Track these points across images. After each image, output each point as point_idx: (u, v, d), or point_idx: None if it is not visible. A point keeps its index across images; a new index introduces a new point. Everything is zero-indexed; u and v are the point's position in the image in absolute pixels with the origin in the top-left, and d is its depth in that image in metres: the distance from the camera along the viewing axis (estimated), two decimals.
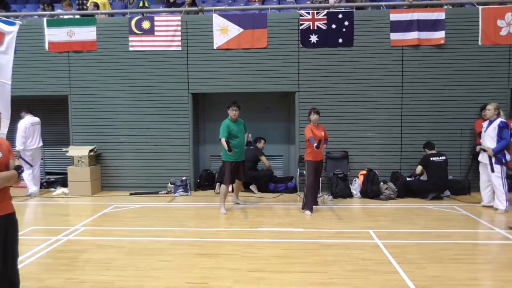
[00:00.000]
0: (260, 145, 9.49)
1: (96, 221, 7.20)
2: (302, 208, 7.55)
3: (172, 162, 9.53)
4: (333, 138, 8.75)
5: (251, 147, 9.33)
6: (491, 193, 7.69)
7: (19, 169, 3.59)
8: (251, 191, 9.31)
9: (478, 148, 7.86)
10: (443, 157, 8.34)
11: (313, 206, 7.57)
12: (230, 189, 8.07)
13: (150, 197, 9.00)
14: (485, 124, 7.77)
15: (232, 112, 7.62)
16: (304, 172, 7.76)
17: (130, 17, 9.51)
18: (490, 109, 7.58)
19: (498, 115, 7.55)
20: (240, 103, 7.77)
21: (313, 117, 7.46)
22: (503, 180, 7.42)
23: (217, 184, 9.36)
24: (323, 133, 7.55)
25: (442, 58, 9.01)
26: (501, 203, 7.42)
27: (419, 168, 8.49)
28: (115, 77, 9.51)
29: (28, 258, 5.33)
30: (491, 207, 7.63)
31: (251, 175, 9.10)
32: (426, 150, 8.55)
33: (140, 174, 9.59)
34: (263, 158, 9.36)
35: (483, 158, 7.70)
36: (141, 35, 9.37)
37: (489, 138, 7.54)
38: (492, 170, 7.47)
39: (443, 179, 8.38)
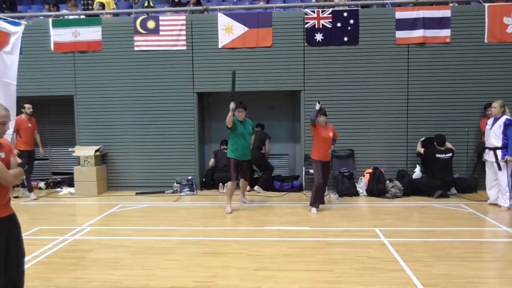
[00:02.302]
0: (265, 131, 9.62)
1: (102, 220, 7.22)
2: (310, 205, 7.51)
3: (177, 162, 9.55)
4: (339, 137, 8.73)
5: (257, 129, 9.35)
6: (497, 191, 7.64)
7: (23, 166, 3.63)
8: (255, 191, 9.29)
9: (484, 157, 7.87)
10: (449, 154, 8.31)
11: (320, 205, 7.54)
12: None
13: (156, 197, 9.02)
14: (490, 121, 7.73)
15: (238, 114, 7.58)
16: (311, 171, 7.73)
17: (135, 16, 9.53)
18: (496, 106, 7.52)
19: (504, 112, 7.50)
20: (245, 102, 7.76)
21: (320, 118, 7.37)
22: (509, 178, 7.41)
23: (220, 184, 9.36)
24: (331, 133, 7.46)
25: (448, 56, 8.96)
26: (504, 201, 7.43)
27: (420, 149, 8.62)
28: (120, 77, 9.54)
29: (35, 257, 5.35)
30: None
31: (256, 155, 8.97)
32: (435, 143, 8.49)
33: (146, 173, 9.62)
34: (267, 141, 9.41)
35: (488, 156, 7.67)
36: (146, 35, 9.39)
37: (494, 136, 7.50)
38: (500, 168, 7.45)
39: (449, 176, 8.36)
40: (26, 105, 8.95)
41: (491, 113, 7.83)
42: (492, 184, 7.74)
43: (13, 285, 3.58)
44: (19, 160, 3.70)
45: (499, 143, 7.44)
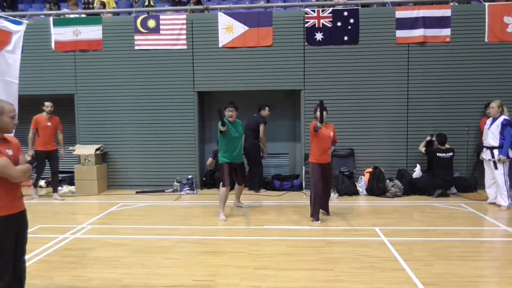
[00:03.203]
0: (264, 112, 9.14)
1: (102, 219, 7.23)
2: (311, 216, 6.85)
3: (178, 161, 9.56)
4: (339, 136, 8.69)
5: (254, 114, 9.14)
6: (496, 190, 7.65)
7: (32, 163, 3.65)
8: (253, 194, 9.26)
9: (481, 156, 7.91)
10: (450, 153, 8.32)
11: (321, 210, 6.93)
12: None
13: (156, 196, 9.04)
14: (488, 121, 7.75)
15: (228, 113, 7.05)
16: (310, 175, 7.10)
17: (135, 16, 9.54)
18: (494, 106, 7.56)
19: (502, 112, 7.53)
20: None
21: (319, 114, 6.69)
22: (506, 177, 7.44)
23: (220, 183, 9.28)
24: (331, 133, 6.79)
25: (448, 55, 8.97)
26: (503, 200, 7.45)
27: (422, 148, 8.66)
28: (121, 76, 9.54)
29: (36, 256, 5.36)
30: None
31: (250, 142, 8.75)
32: (436, 141, 8.50)
33: (146, 172, 9.63)
34: (262, 126, 8.95)
35: (486, 155, 7.69)
36: (146, 34, 9.40)
37: (492, 136, 7.52)
38: (496, 167, 7.47)
39: (449, 175, 8.36)
40: (46, 103, 8.69)
41: (489, 112, 7.85)
42: (491, 182, 7.77)
43: (18, 279, 3.69)
44: (28, 158, 3.72)
45: (496, 143, 7.47)
